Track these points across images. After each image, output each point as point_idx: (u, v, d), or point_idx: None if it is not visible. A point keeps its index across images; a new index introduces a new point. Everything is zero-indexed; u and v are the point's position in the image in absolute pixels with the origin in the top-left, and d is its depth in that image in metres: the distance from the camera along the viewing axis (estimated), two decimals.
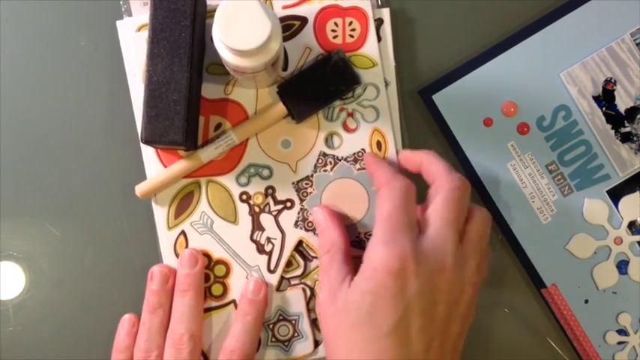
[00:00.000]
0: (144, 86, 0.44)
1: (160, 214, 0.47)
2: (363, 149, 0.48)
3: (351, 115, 0.48)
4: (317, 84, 0.46)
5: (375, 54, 0.48)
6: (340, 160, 0.48)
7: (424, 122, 0.49)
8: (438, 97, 0.49)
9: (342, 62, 0.46)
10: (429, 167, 0.44)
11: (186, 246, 0.47)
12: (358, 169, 0.48)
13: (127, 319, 0.47)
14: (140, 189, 0.47)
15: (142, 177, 0.47)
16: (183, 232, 0.47)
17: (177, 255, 0.47)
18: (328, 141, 0.48)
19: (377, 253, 0.40)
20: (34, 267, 0.49)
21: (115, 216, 0.48)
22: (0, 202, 0.48)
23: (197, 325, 0.46)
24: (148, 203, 0.48)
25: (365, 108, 0.48)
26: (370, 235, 0.44)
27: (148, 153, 0.47)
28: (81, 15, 0.49)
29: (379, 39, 0.48)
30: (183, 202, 0.47)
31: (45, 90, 0.49)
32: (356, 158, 0.48)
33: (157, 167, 0.47)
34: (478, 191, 0.49)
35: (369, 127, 0.48)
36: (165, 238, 0.47)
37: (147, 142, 0.44)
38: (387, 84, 0.48)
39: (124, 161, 0.48)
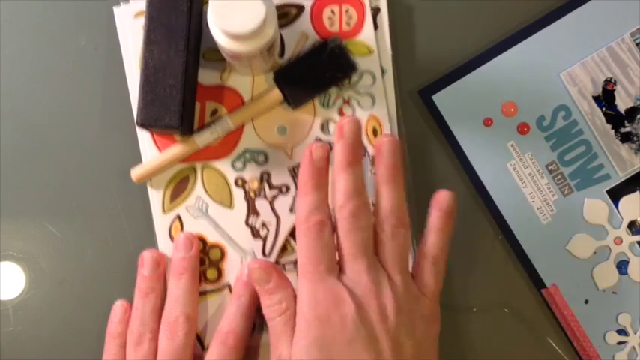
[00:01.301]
0: (140, 71, 0.44)
1: (156, 198, 0.47)
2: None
3: (347, 102, 0.48)
4: (313, 70, 0.46)
5: (372, 41, 0.48)
6: None
7: (424, 122, 0.49)
8: (438, 97, 0.49)
9: (338, 49, 0.46)
10: (334, 185, 0.43)
11: (182, 230, 0.47)
12: None
13: (119, 305, 0.46)
14: (136, 173, 0.47)
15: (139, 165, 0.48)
16: (178, 217, 0.48)
17: (172, 239, 0.47)
18: (324, 127, 0.48)
19: (304, 306, 0.41)
20: (34, 267, 0.49)
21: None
22: (0, 202, 0.48)
23: (192, 307, 0.45)
24: (145, 195, 0.48)
25: (361, 95, 0.48)
26: None
27: (144, 138, 0.47)
28: (78, 4, 0.49)
29: (376, 27, 0.48)
30: (179, 187, 0.48)
31: (44, 89, 0.49)
32: None
33: (152, 152, 0.47)
34: (478, 191, 0.49)
35: (365, 114, 0.48)
36: (161, 222, 0.48)
37: (142, 125, 0.44)
38: (383, 72, 0.48)
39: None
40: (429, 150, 0.49)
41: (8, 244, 0.49)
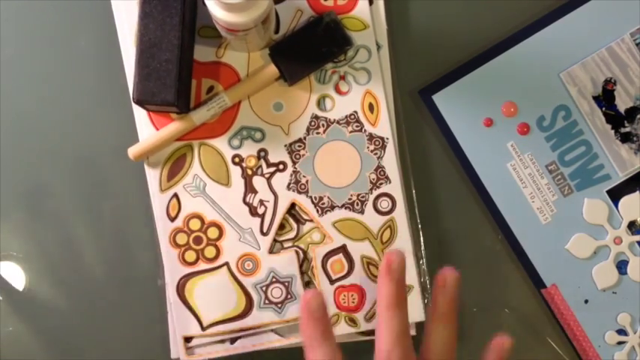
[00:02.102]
0: (135, 46, 0.44)
1: (153, 176, 0.47)
2: (355, 111, 0.48)
3: (342, 78, 0.48)
4: (309, 46, 0.47)
5: (367, 16, 0.48)
6: (332, 123, 0.48)
7: (424, 122, 0.49)
8: (438, 97, 0.49)
9: (333, 24, 0.46)
10: (380, 323, 0.40)
11: (179, 209, 0.47)
12: (350, 132, 0.48)
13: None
14: (133, 151, 0.47)
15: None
16: (175, 195, 0.48)
17: (170, 218, 0.47)
18: (320, 103, 0.48)
19: None
20: (34, 267, 0.49)
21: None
22: (0, 202, 0.48)
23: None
24: (143, 176, 0.48)
25: (357, 70, 0.48)
26: (362, 197, 0.47)
27: (141, 117, 0.47)
28: (78, 4, 0.49)
29: (371, 2, 0.48)
30: (176, 165, 0.48)
31: (44, 89, 0.49)
32: (348, 121, 0.48)
33: (149, 131, 0.47)
34: (478, 191, 0.49)
35: (361, 89, 0.48)
36: (158, 201, 0.48)
37: (139, 102, 0.44)
38: (379, 47, 0.48)
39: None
40: (429, 150, 0.49)
41: (8, 244, 0.49)
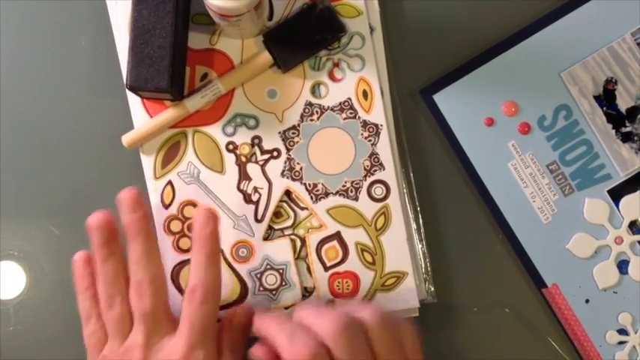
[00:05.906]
0: (129, 32, 0.44)
1: (147, 163, 0.48)
2: (349, 98, 0.48)
3: (337, 65, 0.48)
4: (302, 33, 0.47)
5: (360, 3, 0.48)
6: (326, 110, 0.48)
7: (425, 122, 0.49)
8: (438, 97, 0.49)
9: (327, 11, 0.47)
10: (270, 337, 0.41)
11: (173, 196, 0.47)
12: (344, 119, 0.48)
13: (76, 260, 0.45)
14: (127, 138, 0.47)
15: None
16: (170, 182, 0.48)
17: (164, 205, 0.47)
18: (314, 90, 0.48)
19: None
20: (34, 267, 0.49)
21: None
22: (0, 202, 0.48)
23: (155, 267, 0.43)
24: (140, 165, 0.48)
25: (351, 57, 0.48)
26: (356, 184, 0.47)
27: (135, 106, 0.47)
28: (78, 4, 0.49)
29: None
30: (170, 152, 0.48)
31: (43, 89, 0.49)
32: (342, 108, 0.48)
33: (143, 118, 0.47)
34: (479, 191, 0.49)
35: (355, 76, 0.48)
36: (153, 188, 0.48)
37: (132, 88, 0.44)
38: (372, 30, 0.48)
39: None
40: (430, 150, 0.49)
41: (9, 243, 0.49)
